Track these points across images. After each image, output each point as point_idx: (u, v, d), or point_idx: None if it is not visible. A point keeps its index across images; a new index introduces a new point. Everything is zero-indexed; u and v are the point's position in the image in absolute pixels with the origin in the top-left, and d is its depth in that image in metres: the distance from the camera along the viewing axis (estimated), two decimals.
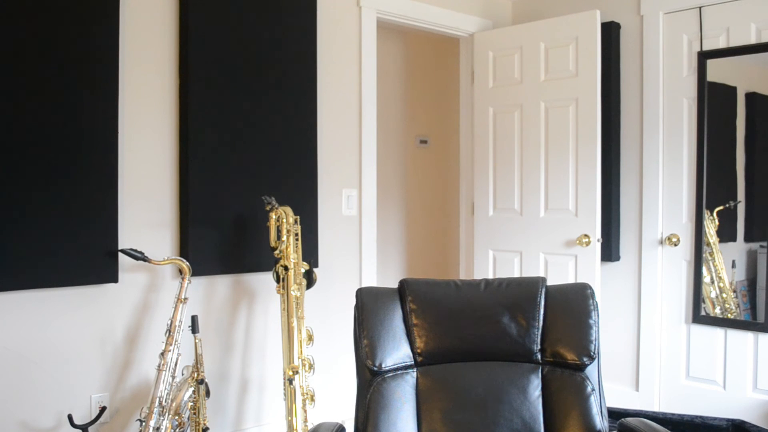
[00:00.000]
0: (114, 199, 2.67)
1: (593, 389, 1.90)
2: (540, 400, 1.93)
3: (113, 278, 2.67)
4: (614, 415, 2.70)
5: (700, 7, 3.41)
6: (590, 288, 2.05)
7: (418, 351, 1.98)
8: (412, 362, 1.98)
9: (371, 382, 1.92)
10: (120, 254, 2.63)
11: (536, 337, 1.98)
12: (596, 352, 1.94)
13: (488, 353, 1.99)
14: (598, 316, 2.00)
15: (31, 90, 2.47)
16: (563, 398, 1.90)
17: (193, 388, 2.61)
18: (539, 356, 1.98)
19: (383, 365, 1.92)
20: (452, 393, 1.93)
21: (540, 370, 1.97)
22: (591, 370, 1.94)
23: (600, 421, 1.88)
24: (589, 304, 2.00)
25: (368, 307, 2.00)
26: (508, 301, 2.02)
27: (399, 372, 1.95)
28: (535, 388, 1.94)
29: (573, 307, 2.00)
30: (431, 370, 1.97)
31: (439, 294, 2.06)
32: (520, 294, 2.04)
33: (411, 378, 1.95)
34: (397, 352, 1.96)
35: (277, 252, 2.83)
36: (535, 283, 2.06)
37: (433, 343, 1.98)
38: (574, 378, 1.92)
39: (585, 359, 1.93)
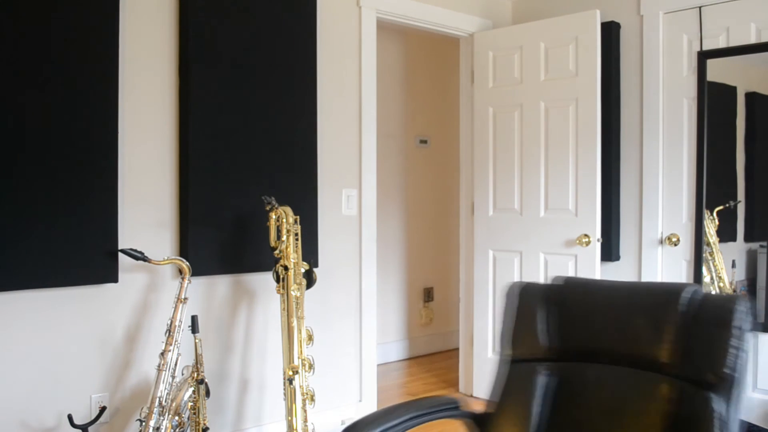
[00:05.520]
0: (114, 199, 2.67)
1: (725, 415, 1.69)
2: (668, 416, 1.76)
3: (113, 278, 2.67)
4: None
5: (700, 7, 3.41)
6: (745, 301, 1.80)
7: (554, 347, 2.00)
8: (547, 356, 2.00)
9: (505, 369, 2.02)
10: (120, 254, 2.63)
11: (675, 349, 1.82)
12: (738, 372, 1.70)
13: (622, 358, 1.91)
14: (749, 334, 1.74)
15: (30, 90, 2.47)
16: (693, 418, 1.72)
17: (193, 388, 2.61)
18: (675, 369, 1.81)
19: (518, 355, 2.00)
20: (580, 393, 1.92)
21: (674, 384, 1.79)
22: (727, 391, 1.72)
23: None
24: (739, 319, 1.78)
25: (514, 300, 2.10)
26: (651, 306, 1.91)
27: (533, 363, 1.99)
28: (665, 401, 1.78)
29: (720, 322, 1.77)
30: (562, 367, 1.98)
31: (586, 294, 2.06)
32: (662, 300, 1.90)
33: (543, 371, 1.97)
34: (533, 345, 2.01)
35: (277, 252, 2.83)
36: (679, 291, 1.89)
37: (569, 341, 1.99)
38: (708, 398, 1.71)
39: (723, 379, 1.71)
